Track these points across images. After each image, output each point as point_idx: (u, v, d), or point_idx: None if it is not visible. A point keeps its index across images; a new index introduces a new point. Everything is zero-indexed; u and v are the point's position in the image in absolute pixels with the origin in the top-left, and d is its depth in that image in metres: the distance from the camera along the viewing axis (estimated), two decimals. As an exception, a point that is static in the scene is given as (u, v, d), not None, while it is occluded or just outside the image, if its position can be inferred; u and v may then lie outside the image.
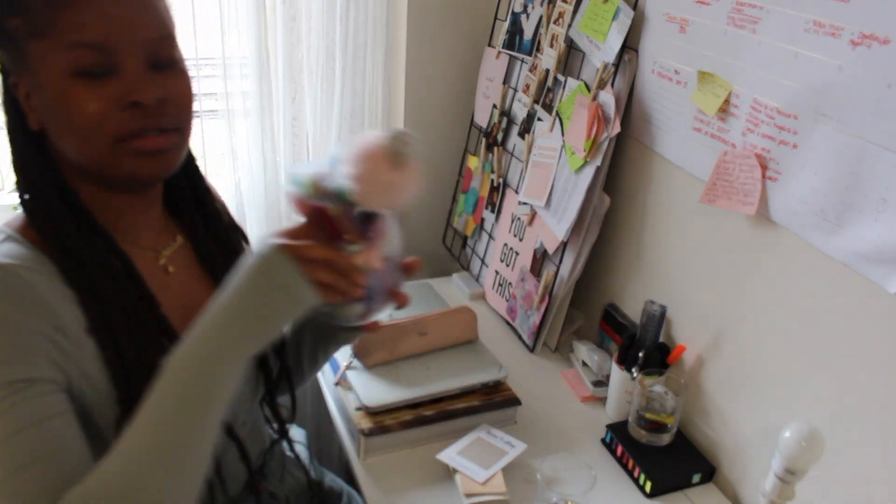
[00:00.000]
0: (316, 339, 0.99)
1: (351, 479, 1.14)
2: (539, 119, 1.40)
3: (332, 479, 1.18)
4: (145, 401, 0.67)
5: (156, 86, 0.73)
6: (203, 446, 0.68)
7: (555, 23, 1.34)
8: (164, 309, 0.80)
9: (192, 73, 0.79)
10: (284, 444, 1.02)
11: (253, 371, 0.90)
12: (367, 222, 0.75)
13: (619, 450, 1.14)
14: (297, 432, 1.17)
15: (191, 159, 0.90)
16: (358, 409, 1.14)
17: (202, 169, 0.94)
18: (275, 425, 0.96)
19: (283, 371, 0.93)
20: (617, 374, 1.21)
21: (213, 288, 0.87)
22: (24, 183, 0.76)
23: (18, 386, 0.67)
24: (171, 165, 0.79)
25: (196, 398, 0.67)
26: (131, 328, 0.75)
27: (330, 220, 0.73)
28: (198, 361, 0.68)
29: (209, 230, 0.91)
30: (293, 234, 0.72)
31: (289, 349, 0.98)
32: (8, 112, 0.76)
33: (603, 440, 1.19)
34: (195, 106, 0.80)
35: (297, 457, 1.00)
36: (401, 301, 0.85)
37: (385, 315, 0.87)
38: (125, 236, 0.81)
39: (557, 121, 1.33)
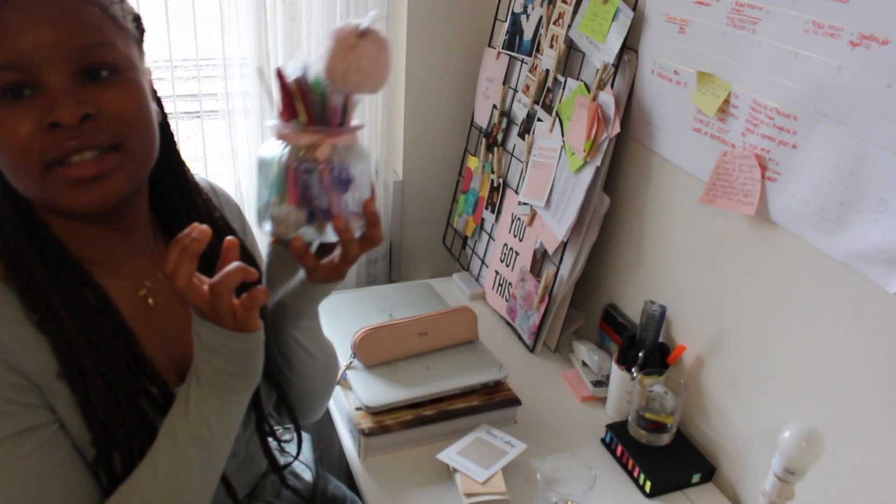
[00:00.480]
0: (293, 309, 0.86)
1: (351, 479, 1.14)
2: (539, 119, 1.40)
3: (335, 486, 1.18)
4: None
5: (77, 101, 0.65)
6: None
7: (555, 23, 1.35)
8: (145, 346, 0.76)
9: (162, 76, 0.74)
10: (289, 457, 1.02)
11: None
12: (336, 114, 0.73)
13: (619, 450, 1.14)
14: (302, 437, 1.17)
15: (181, 174, 0.84)
16: (358, 408, 1.14)
17: (204, 179, 0.89)
18: (281, 437, 0.95)
19: (279, 398, 0.91)
20: (617, 374, 1.21)
21: None
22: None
23: (9, 442, 0.66)
24: (114, 191, 0.70)
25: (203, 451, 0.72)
26: (104, 370, 0.71)
27: (288, 92, 0.71)
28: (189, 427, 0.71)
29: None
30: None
31: (275, 366, 0.92)
32: None
33: (603, 440, 1.19)
34: (145, 116, 0.72)
35: (292, 488, 0.98)
36: (369, 215, 0.76)
37: (331, 237, 0.77)
38: (102, 267, 0.76)
39: (557, 121, 1.33)
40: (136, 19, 0.75)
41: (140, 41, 0.75)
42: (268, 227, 0.75)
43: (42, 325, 0.69)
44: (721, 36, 1.02)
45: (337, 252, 0.78)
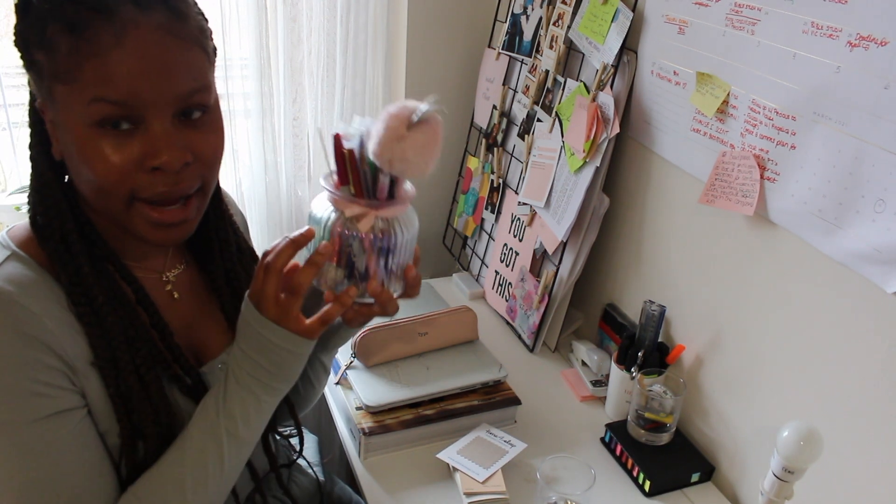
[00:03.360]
0: (328, 341, 0.93)
1: (351, 479, 1.15)
2: (539, 120, 1.40)
3: (340, 488, 1.18)
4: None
5: (181, 147, 0.69)
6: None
7: (554, 24, 1.35)
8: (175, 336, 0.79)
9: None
10: (293, 455, 1.02)
11: None
12: (386, 188, 0.75)
13: (619, 449, 1.15)
14: (308, 439, 1.17)
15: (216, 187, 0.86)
16: (358, 408, 1.14)
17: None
18: (290, 441, 0.96)
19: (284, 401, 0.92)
20: (616, 373, 1.21)
21: (219, 313, 0.88)
22: (39, 205, 0.73)
23: (48, 423, 0.68)
24: (187, 233, 0.75)
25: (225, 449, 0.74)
26: (138, 362, 0.73)
27: (342, 160, 0.74)
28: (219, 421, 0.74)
29: (221, 255, 0.88)
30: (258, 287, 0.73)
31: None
32: (33, 132, 0.74)
33: (602, 439, 1.19)
34: (223, 153, 0.76)
35: (284, 488, 0.98)
36: (409, 279, 0.79)
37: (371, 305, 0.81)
38: (132, 261, 0.79)
39: (557, 122, 1.33)
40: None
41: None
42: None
43: (82, 318, 0.71)
44: (720, 37, 1.02)
45: (376, 305, 0.80)
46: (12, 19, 0.68)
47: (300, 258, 0.75)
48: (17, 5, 0.67)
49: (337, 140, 0.74)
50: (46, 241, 0.72)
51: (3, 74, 1.55)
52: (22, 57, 0.69)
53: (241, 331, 0.74)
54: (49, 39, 0.65)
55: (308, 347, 0.74)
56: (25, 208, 0.75)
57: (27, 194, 0.75)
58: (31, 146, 0.74)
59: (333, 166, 0.75)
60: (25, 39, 0.67)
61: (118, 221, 0.72)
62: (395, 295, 0.79)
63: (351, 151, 0.73)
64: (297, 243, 0.73)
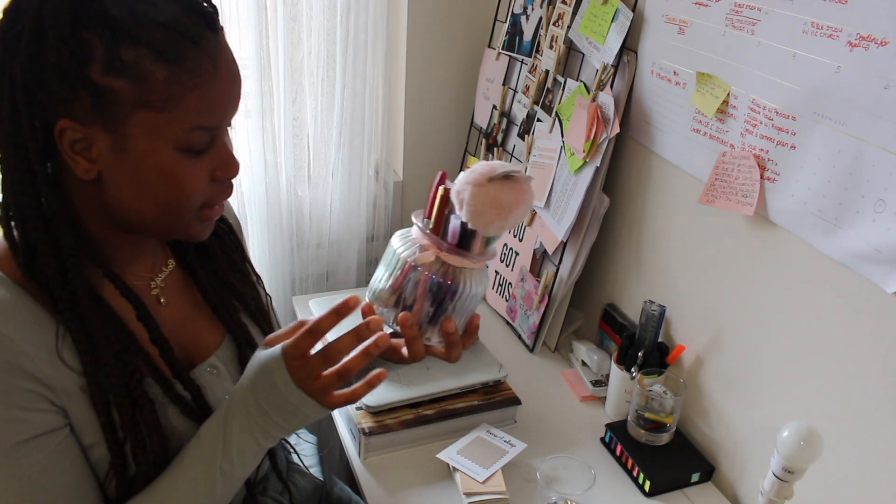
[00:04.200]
0: None
1: (351, 479, 1.15)
2: (539, 120, 1.40)
3: (340, 489, 1.18)
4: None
5: (236, 159, 0.74)
6: None
7: (554, 24, 1.35)
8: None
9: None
10: (293, 455, 1.02)
11: None
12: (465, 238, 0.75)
13: (619, 449, 1.15)
14: (308, 439, 1.17)
15: None
16: (358, 408, 1.14)
17: None
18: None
19: None
20: (616, 373, 1.21)
21: (208, 316, 0.86)
22: (31, 223, 0.68)
23: (26, 447, 0.66)
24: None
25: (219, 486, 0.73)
26: (131, 387, 0.72)
27: (433, 202, 0.76)
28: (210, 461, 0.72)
29: (208, 255, 0.88)
30: (296, 343, 0.71)
31: None
32: (26, 149, 0.67)
33: (602, 439, 1.19)
34: None
35: (285, 484, 0.98)
36: (446, 333, 0.77)
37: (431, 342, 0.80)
38: (121, 267, 0.77)
39: (557, 122, 1.33)
40: None
41: None
42: (367, 294, 0.80)
43: (77, 343, 0.69)
44: (720, 37, 1.02)
45: (404, 347, 0.80)
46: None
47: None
48: (54, 29, 0.62)
49: (442, 177, 0.77)
50: (34, 261, 0.68)
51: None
52: (68, 80, 0.63)
53: (261, 385, 0.71)
54: (132, 67, 0.63)
55: (325, 413, 0.74)
56: None
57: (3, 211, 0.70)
58: (20, 164, 0.67)
59: (430, 198, 0.77)
60: (81, 62, 0.63)
61: (166, 232, 0.74)
62: (426, 341, 0.78)
63: (446, 189, 0.75)
64: (339, 313, 0.71)
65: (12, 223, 0.70)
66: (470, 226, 0.73)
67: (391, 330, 0.77)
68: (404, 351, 0.81)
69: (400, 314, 0.75)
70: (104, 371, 0.70)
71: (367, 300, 0.79)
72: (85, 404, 0.70)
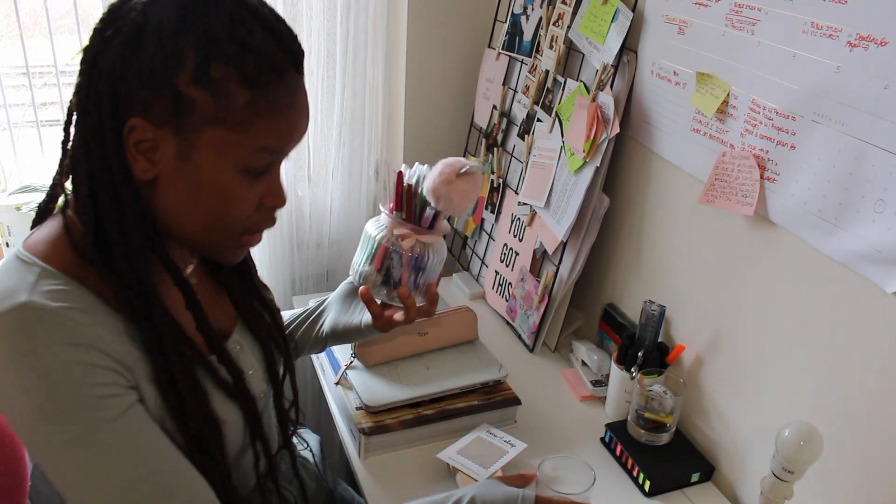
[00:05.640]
0: (345, 336, 1.06)
1: (351, 479, 1.15)
2: (539, 120, 1.40)
3: (343, 488, 1.18)
4: None
5: (284, 191, 0.77)
6: None
7: (554, 24, 1.35)
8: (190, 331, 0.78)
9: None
10: (297, 444, 1.03)
11: (263, 374, 0.90)
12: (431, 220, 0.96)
13: (619, 449, 1.15)
14: (310, 438, 1.18)
15: None
16: (358, 408, 1.14)
17: None
18: (290, 423, 0.96)
19: (287, 370, 0.94)
20: (616, 373, 1.21)
21: (225, 298, 0.90)
22: (111, 217, 0.70)
23: (123, 420, 0.68)
24: None
25: None
26: (188, 375, 0.74)
27: (400, 191, 0.96)
28: None
29: None
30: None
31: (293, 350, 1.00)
32: (101, 142, 0.68)
33: (602, 439, 1.19)
34: None
35: (306, 460, 1.00)
36: (430, 295, 0.98)
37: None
38: None
39: (557, 122, 1.33)
40: None
41: None
42: (352, 278, 1.01)
43: (140, 336, 0.71)
44: (720, 37, 1.02)
45: (399, 313, 0.98)
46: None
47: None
48: (163, 32, 0.65)
49: (399, 176, 0.96)
50: (103, 250, 0.70)
51: (4, 75, 1.55)
52: (155, 83, 0.66)
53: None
54: (217, 83, 0.66)
55: None
56: (31, 212, 0.74)
57: (71, 206, 0.73)
58: (101, 154, 0.69)
59: (393, 193, 0.96)
60: (172, 68, 0.65)
61: (203, 249, 0.77)
62: (416, 304, 0.97)
63: (410, 185, 0.94)
64: None
65: (82, 211, 0.71)
66: (446, 213, 0.95)
67: (381, 301, 0.98)
68: (397, 316, 0.98)
69: (400, 290, 0.96)
70: (168, 358, 0.72)
71: (354, 283, 1.01)
72: (151, 389, 0.72)
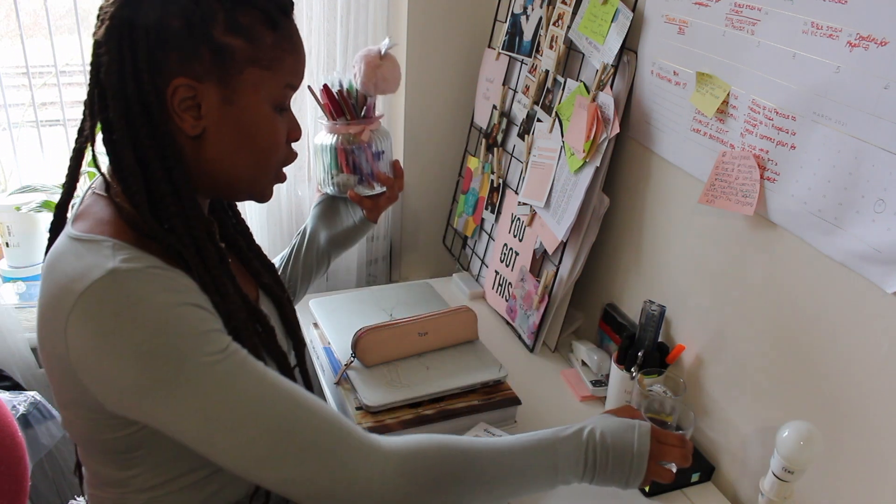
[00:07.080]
0: (346, 241, 1.19)
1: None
2: (539, 120, 1.40)
3: None
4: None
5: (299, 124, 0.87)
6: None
7: (554, 24, 1.35)
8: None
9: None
10: None
11: (283, 332, 0.94)
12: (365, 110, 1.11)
13: (619, 449, 1.15)
14: None
15: None
16: (358, 408, 1.14)
17: None
18: None
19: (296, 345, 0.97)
20: (616, 373, 1.21)
21: (243, 274, 0.93)
22: (168, 182, 0.74)
23: (235, 350, 0.71)
24: None
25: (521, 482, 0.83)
26: (252, 334, 0.80)
27: (335, 100, 1.10)
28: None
29: (232, 210, 0.97)
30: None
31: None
32: (145, 108, 0.73)
33: (602, 440, 1.19)
34: None
35: None
36: (397, 170, 1.16)
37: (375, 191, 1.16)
38: None
39: (557, 122, 1.33)
40: None
41: None
42: (331, 190, 1.16)
43: (210, 296, 0.74)
44: (720, 37, 1.02)
45: (384, 197, 1.15)
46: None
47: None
48: None
49: (326, 87, 1.09)
50: (160, 225, 0.73)
51: (4, 75, 1.55)
52: (194, 40, 0.72)
53: (619, 437, 0.86)
54: (248, 29, 0.74)
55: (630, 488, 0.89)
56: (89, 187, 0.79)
57: (114, 191, 0.75)
58: (147, 120, 0.73)
59: (325, 106, 1.09)
60: (206, 23, 0.72)
61: (251, 189, 0.84)
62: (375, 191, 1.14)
63: (341, 91, 1.09)
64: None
65: (132, 183, 0.73)
66: (381, 93, 1.10)
67: (370, 193, 1.14)
68: (383, 201, 1.15)
69: (379, 176, 1.12)
70: (233, 316, 0.76)
71: (331, 192, 1.16)
72: None
